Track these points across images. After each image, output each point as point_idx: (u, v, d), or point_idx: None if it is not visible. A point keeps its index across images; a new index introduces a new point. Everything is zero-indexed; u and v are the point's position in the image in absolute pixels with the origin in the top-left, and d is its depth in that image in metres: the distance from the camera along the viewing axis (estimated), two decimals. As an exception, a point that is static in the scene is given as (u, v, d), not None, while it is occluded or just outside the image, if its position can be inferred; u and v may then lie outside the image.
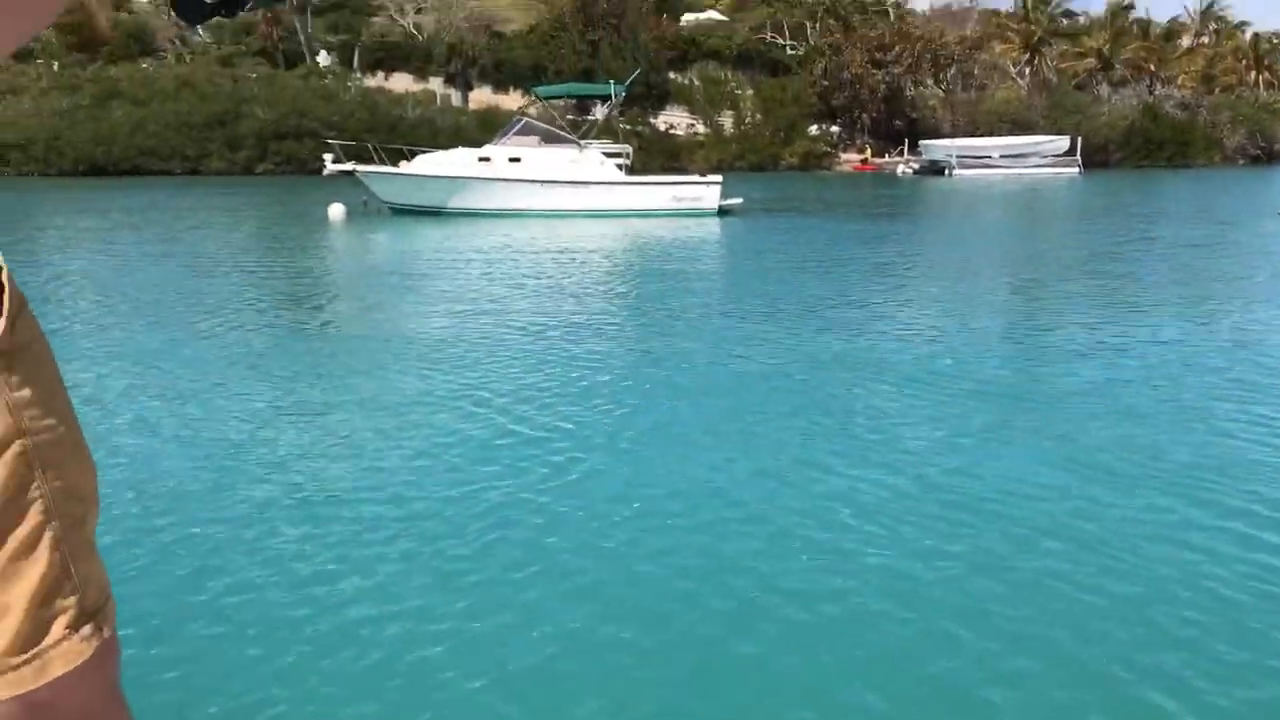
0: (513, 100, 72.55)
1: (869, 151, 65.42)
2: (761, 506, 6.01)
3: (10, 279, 1.12)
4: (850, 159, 64.89)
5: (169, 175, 50.31)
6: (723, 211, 28.44)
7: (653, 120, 66.60)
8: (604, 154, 28.25)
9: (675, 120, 67.83)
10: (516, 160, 27.44)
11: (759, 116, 64.16)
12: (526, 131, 28.32)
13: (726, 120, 65.46)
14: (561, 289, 15.30)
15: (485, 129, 58.64)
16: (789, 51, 74.22)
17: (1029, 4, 73.01)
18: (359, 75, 68.35)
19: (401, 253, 21.19)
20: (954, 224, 29.70)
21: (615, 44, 70.65)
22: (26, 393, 1.10)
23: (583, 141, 27.93)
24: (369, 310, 13.74)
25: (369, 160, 28.46)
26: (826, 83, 65.43)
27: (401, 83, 71.30)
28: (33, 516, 1.12)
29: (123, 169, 49.74)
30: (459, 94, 71.91)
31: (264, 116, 53.56)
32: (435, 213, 27.35)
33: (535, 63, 72.97)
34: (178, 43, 67.48)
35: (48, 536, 1.13)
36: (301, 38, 68.90)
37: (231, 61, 62.84)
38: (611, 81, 30.24)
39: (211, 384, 9.05)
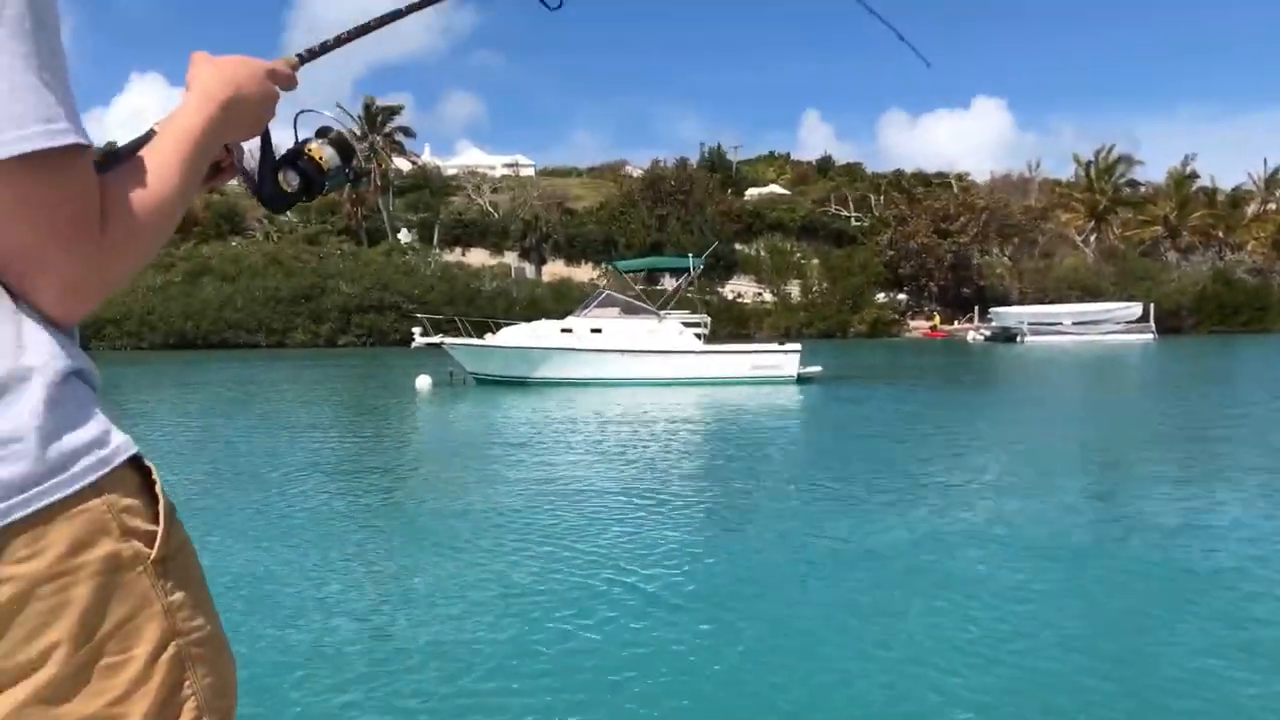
0: (584, 272, 74.75)
1: (937, 318, 65.87)
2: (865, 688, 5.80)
3: (162, 489, 1.25)
4: (919, 326, 65.33)
5: (255, 348, 51.98)
6: (802, 379, 28.65)
7: (720, 289, 68.02)
8: (683, 324, 28.81)
9: (742, 289, 69.11)
10: (598, 331, 28.04)
11: (826, 285, 65.11)
12: (607, 303, 29.02)
13: (793, 289, 66.52)
14: (644, 459, 15.33)
15: (559, 300, 60.28)
16: (854, 222, 75.85)
17: (1093, 174, 74.20)
18: (438, 251, 71.01)
19: (488, 423, 21.49)
20: (1034, 393, 29.38)
21: (683, 218, 72.83)
22: (179, 596, 1.21)
23: (662, 312, 28.57)
24: (454, 480, 13.86)
25: (455, 333, 29.27)
26: (893, 252, 66.58)
27: (478, 257, 73.96)
28: (187, 714, 1.21)
29: (211, 342, 51.58)
30: (533, 267, 74.18)
31: (348, 291, 55.54)
32: (519, 383, 27.89)
33: (606, 237, 75.40)
34: (266, 222, 70.79)
35: None
36: (384, 216, 72.00)
37: (318, 239, 65.62)
38: (690, 255, 31.04)
39: (300, 552, 9.22)
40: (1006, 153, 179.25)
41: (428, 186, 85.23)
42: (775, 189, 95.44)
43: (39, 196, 1.06)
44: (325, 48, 1.64)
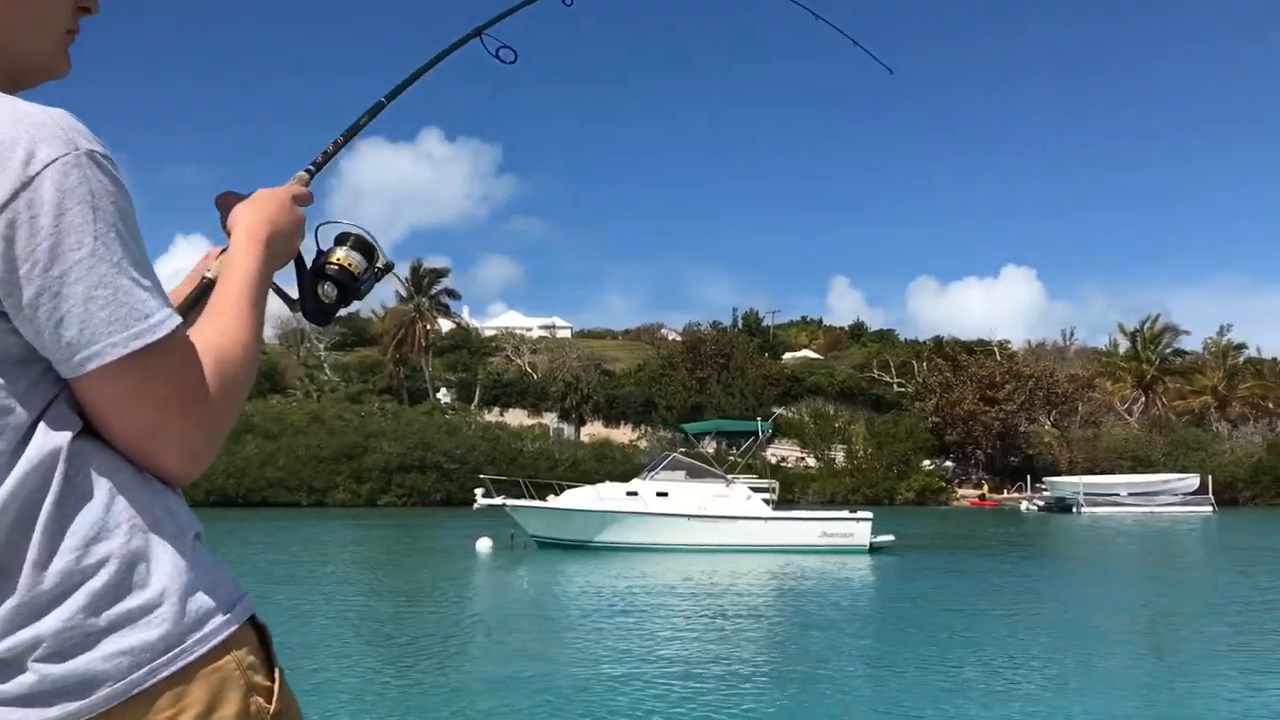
0: (623, 434, 74.29)
1: (986, 487, 64.61)
2: None
3: (273, 650, 1.32)
4: (967, 494, 64.05)
5: (295, 506, 51.35)
6: (874, 549, 27.64)
7: (763, 453, 67.14)
8: (751, 488, 28.06)
9: (784, 453, 68.20)
10: (664, 495, 27.31)
11: (871, 450, 64.25)
12: (674, 465, 28.38)
13: (838, 454, 65.64)
14: (710, 632, 14.46)
15: (601, 461, 59.65)
16: (896, 388, 75.47)
17: (1139, 344, 73.97)
18: (477, 410, 70.88)
19: (550, 590, 20.65)
20: (1104, 569, 28.14)
21: (724, 381, 72.65)
22: None
23: (729, 476, 27.86)
24: (514, 650, 13.18)
25: (518, 495, 28.58)
26: (938, 419, 65.87)
27: (516, 417, 73.71)
28: None
29: (251, 500, 50.95)
30: (572, 428, 73.80)
31: (390, 450, 55.10)
32: (582, 547, 27.02)
33: (646, 399, 75.18)
34: (306, 380, 71.12)
35: None
36: (426, 375, 72.21)
37: (360, 398, 65.62)
38: (758, 419, 30.54)
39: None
40: (1039, 321, 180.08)
41: (467, 347, 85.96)
42: (808, 354, 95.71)
43: (153, 383, 1.17)
44: (327, 156, 1.72)
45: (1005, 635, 14.92)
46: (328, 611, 16.22)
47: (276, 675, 1.29)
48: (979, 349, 75.18)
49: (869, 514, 28.80)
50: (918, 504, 59.98)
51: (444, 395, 73.87)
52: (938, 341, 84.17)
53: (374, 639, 13.74)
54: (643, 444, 71.37)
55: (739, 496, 27.59)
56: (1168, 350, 76.09)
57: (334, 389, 69.38)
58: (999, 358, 70.70)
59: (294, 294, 1.62)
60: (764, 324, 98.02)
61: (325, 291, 1.59)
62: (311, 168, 1.69)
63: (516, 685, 10.67)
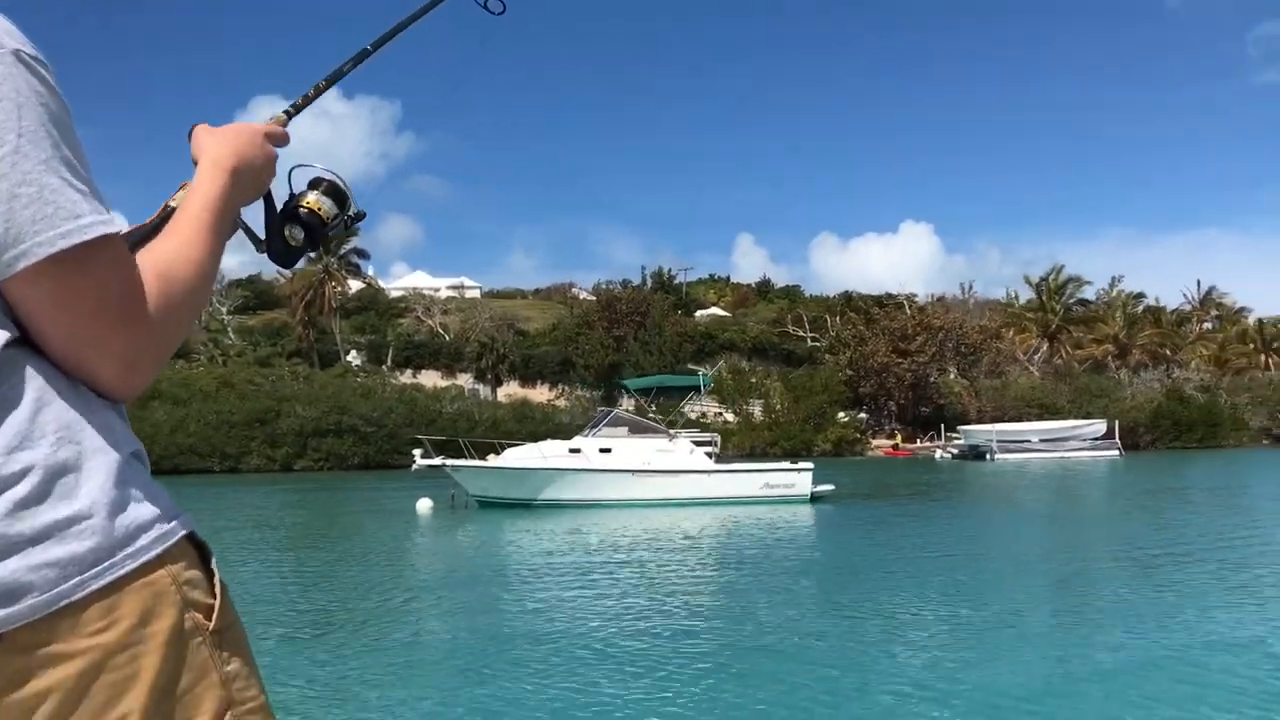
0: (540, 393, 73.82)
1: (899, 437, 65.91)
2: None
3: (217, 568, 1.29)
4: (881, 444, 65.24)
5: (208, 473, 49.94)
6: (815, 498, 27.85)
7: (683, 410, 67.39)
8: (693, 443, 28.00)
9: (704, 409, 68.58)
10: (607, 451, 27.07)
11: (788, 404, 64.90)
12: (616, 422, 28.12)
13: (755, 409, 66.16)
14: (659, 586, 14.30)
15: (520, 421, 59.04)
16: (810, 343, 76.28)
17: (1044, 294, 75.93)
18: (390, 373, 69.66)
19: (493, 548, 20.32)
20: (1025, 512, 28.92)
21: (641, 339, 72.57)
22: (235, 666, 1.26)
23: (672, 431, 27.73)
24: (458, 608, 12.93)
25: (457, 455, 28.05)
26: (852, 372, 66.81)
27: (430, 379, 72.67)
28: None
29: (163, 468, 49.23)
30: (488, 389, 73.06)
31: (304, 414, 53.79)
32: (525, 505, 26.69)
33: (563, 358, 74.77)
34: (210, 345, 68.99)
35: None
36: (336, 338, 70.70)
37: (269, 362, 63.93)
38: (701, 373, 30.44)
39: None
40: (937, 276, 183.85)
41: (374, 309, 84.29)
42: (717, 311, 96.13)
43: (83, 287, 1.13)
44: (307, 99, 1.70)
45: (943, 578, 15.11)
46: (265, 577, 15.67)
47: (218, 593, 1.25)
48: (888, 303, 76.34)
49: (810, 465, 28.99)
50: (834, 455, 60.77)
51: (354, 357, 72.40)
52: (848, 296, 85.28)
53: (315, 603, 13.27)
54: (561, 403, 71.09)
55: (682, 451, 27.50)
56: (1071, 301, 78.30)
57: (240, 353, 67.44)
58: (909, 311, 71.82)
59: (261, 234, 1.58)
60: (676, 282, 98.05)
61: (292, 234, 1.57)
62: (291, 109, 1.66)
63: (464, 644, 10.42)
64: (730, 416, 66.29)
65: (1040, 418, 63.22)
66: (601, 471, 26.85)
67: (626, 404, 76.02)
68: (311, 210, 1.58)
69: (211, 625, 1.23)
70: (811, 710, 7.65)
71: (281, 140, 1.55)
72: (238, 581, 14.41)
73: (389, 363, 72.19)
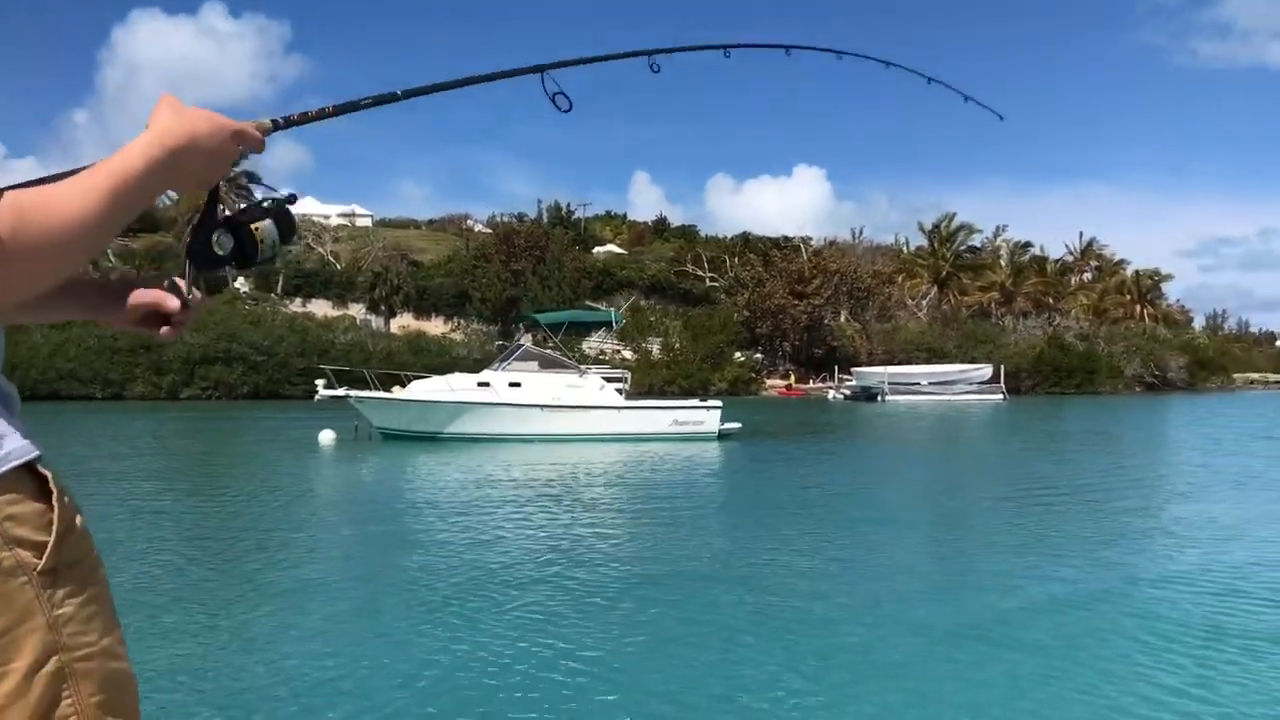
0: (435, 326, 72.75)
1: (793, 377, 66.90)
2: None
3: (60, 499, 1.20)
4: (775, 384, 66.14)
5: (89, 400, 48.15)
6: (722, 436, 28.08)
7: (582, 347, 67.19)
8: (604, 379, 27.89)
9: (603, 347, 68.60)
10: (517, 385, 26.78)
11: (686, 343, 65.26)
12: (526, 357, 27.81)
13: (654, 347, 66.38)
14: (569, 521, 14.21)
15: (416, 353, 58.24)
16: (709, 283, 76.63)
17: (936, 241, 77.51)
18: (278, 301, 67.79)
19: (397, 482, 19.93)
20: (917, 449, 30.10)
21: (540, 274, 71.94)
22: (69, 609, 1.17)
23: (583, 366, 27.56)
24: (360, 543, 12.64)
25: (360, 386, 27.43)
26: (749, 312, 67.39)
27: (321, 308, 70.96)
28: None
29: (40, 393, 47.33)
30: (381, 320, 71.73)
31: (191, 341, 52.05)
32: (431, 439, 26.31)
33: (459, 291, 73.68)
34: (90, 267, 66.00)
35: None
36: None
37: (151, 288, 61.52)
38: (613, 310, 30.26)
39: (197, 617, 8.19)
40: (827, 219, 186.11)
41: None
42: (613, 248, 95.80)
43: None
44: (305, 117, 1.62)
45: (849, 513, 15.42)
46: (153, 510, 15.09)
47: (54, 529, 1.17)
48: (785, 245, 77.04)
49: (719, 403, 29.18)
50: (730, 394, 61.38)
51: (242, 284, 70.23)
52: (745, 238, 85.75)
53: (209, 536, 12.82)
54: (457, 336, 70.24)
55: (592, 387, 27.37)
56: (961, 248, 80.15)
57: (121, 277, 64.77)
58: (805, 254, 72.61)
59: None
60: (575, 217, 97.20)
61: (220, 242, 1.48)
62: (281, 120, 1.58)
63: (366, 579, 10.16)
64: (629, 354, 66.42)
65: (928, 361, 64.93)
66: (510, 406, 26.60)
67: (525, 338, 75.82)
68: (251, 234, 1.50)
69: (41, 565, 1.14)
70: (722, 642, 7.68)
71: (253, 145, 1.44)
72: (121, 515, 13.87)
73: (278, 291, 70.21)
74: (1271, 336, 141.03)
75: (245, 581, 9.96)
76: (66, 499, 1.20)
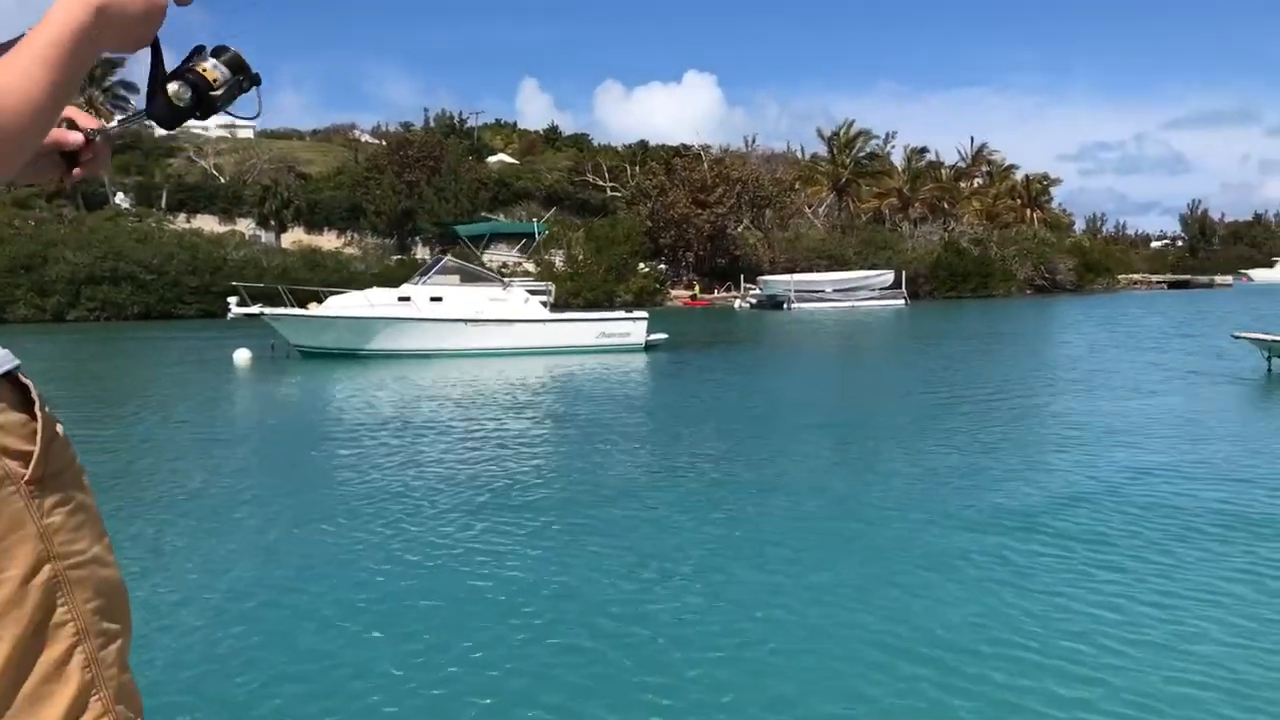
0: (327, 240, 70.59)
1: (697, 288, 66.89)
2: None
3: (43, 409, 1.19)
4: (680, 295, 66.06)
5: (-34, 323, 45.69)
6: (649, 347, 27.86)
7: (484, 259, 65.88)
8: (528, 291, 27.33)
9: (503, 258, 67.49)
10: (438, 299, 26.03)
11: (590, 254, 64.58)
12: (447, 270, 27.02)
13: (557, 259, 65.54)
14: (495, 437, 13.88)
15: (313, 269, 56.38)
16: (609, 192, 75.66)
17: (835, 148, 77.72)
18: (161, 216, 64.83)
19: (318, 400, 19.28)
20: (834, 354, 30.81)
21: (436, 184, 70.12)
22: (58, 518, 1.16)
23: (506, 279, 26.93)
24: (280, 463, 12.27)
25: (274, 303, 26.38)
26: (652, 223, 66.86)
27: (207, 224, 68.16)
28: (63, 639, 1.14)
29: (-88, 317, 44.80)
30: (272, 235, 69.32)
31: (75, 260, 49.55)
32: (351, 356, 25.52)
33: (352, 204, 71.47)
34: None
35: (78, 658, 1.16)
36: (104, 179, 64.97)
37: (28, 203, 58.24)
38: (535, 221, 29.53)
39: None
40: (719, 128, 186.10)
41: (139, 147, 77.79)
42: (504, 158, 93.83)
43: None
44: None
45: (789, 418, 15.58)
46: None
47: (39, 439, 1.15)
48: (686, 153, 76.36)
49: (645, 314, 28.89)
50: (636, 306, 61.12)
51: (122, 199, 66.98)
52: (644, 146, 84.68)
53: (127, 460, 12.22)
54: (352, 251, 68.28)
55: (516, 300, 26.79)
56: (860, 154, 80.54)
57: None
58: (706, 163, 72.09)
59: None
60: (468, 126, 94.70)
61: (176, 92, 1.44)
62: None
63: (295, 498, 9.82)
64: (531, 267, 65.48)
65: (829, 269, 65.50)
66: (433, 321, 25.90)
67: (421, 252, 74.07)
68: (201, 74, 1.45)
69: (29, 474, 1.12)
70: (650, 552, 7.61)
71: None
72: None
73: (162, 206, 67.19)
74: (1146, 239, 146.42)
75: (160, 504, 9.51)
76: (47, 408, 1.16)
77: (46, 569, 1.12)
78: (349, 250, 68.40)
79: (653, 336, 27.93)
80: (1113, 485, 9.80)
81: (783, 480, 10.37)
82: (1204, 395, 17.20)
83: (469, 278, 26.86)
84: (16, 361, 1.16)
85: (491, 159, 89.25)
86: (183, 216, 68.04)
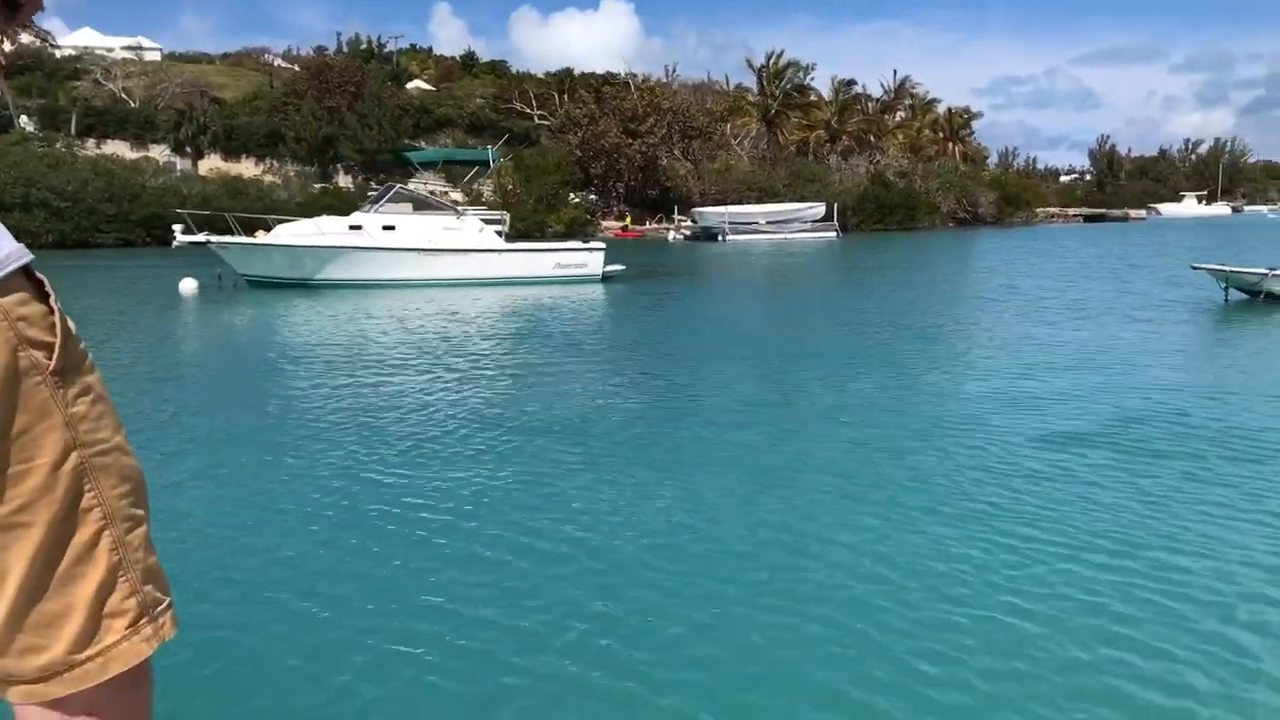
0: (246, 168, 68.47)
1: (628, 219, 66.38)
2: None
3: (57, 301, 1.20)
4: (611, 226, 65.51)
5: None
6: (606, 278, 27.57)
7: (406, 188, 64.32)
8: (483, 221, 26.75)
9: (432, 188, 66.10)
10: (391, 228, 25.37)
11: (520, 185, 63.62)
12: (400, 198, 26.29)
13: (485, 189, 64.39)
14: (450, 369, 13.62)
15: (235, 196, 54.55)
16: (537, 121, 74.43)
17: (765, 79, 77.29)
18: (69, 141, 62.07)
19: (269, 331, 18.72)
20: (787, 285, 31.55)
21: (359, 111, 68.25)
22: (81, 407, 1.19)
23: (460, 208, 26.30)
24: (230, 395, 12.00)
25: (224, 231, 25.48)
26: (582, 152, 66.04)
27: (118, 149, 65.44)
28: (92, 523, 1.18)
29: None
30: (188, 162, 66.89)
31: (-19, 185, 47.30)
32: (300, 285, 24.82)
33: (271, 130, 69.23)
34: None
35: (106, 541, 1.20)
36: (9, 101, 61.92)
37: (-74, 126, 55.44)
38: (489, 149, 28.85)
39: None
40: (638, 57, 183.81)
41: (42, 69, 74.15)
42: (421, 84, 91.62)
43: None
44: None
45: (746, 348, 15.79)
46: None
47: (59, 331, 1.16)
48: (614, 81, 75.34)
49: (602, 244, 28.54)
50: (567, 237, 60.64)
51: (26, 123, 63.92)
52: (569, 74, 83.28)
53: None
54: (270, 178, 66.30)
55: (471, 229, 26.22)
56: (790, 86, 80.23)
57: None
58: (636, 92, 71.23)
59: None
60: (387, 50, 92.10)
61: None
62: None
63: (244, 432, 9.57)
64: (459, 196, 64.23)
65: (760, 201, 65.49)
66: (385, 250, 25.28)
67: (344, 180, 72.23)
68: None
69: (53, 365, 1.14)
70: (607, 485, 7.59)
71: None
72: None
73: (71, 131, 64.34)
74: (1056, 173, 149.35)
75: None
76: (59, 305, 1.16)
77: (74, 456, 1.14)
78: (269, 178, 66.40)
79: (609, 268, 27.64)
80: (1151, 402, 10.29)
81: (790, 412, 10.49)
82: (1187, 322, 17.81)
83: (422, 206, 26.22)
84: (31, 255, 1.15)
85: (410, 85, 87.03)
86: (92, 142, 65.28)
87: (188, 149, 67.16)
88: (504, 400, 11.02)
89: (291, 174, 67.98)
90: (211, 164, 67.86)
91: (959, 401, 10.53)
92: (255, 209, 45.25)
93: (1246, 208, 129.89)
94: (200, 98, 72.67)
